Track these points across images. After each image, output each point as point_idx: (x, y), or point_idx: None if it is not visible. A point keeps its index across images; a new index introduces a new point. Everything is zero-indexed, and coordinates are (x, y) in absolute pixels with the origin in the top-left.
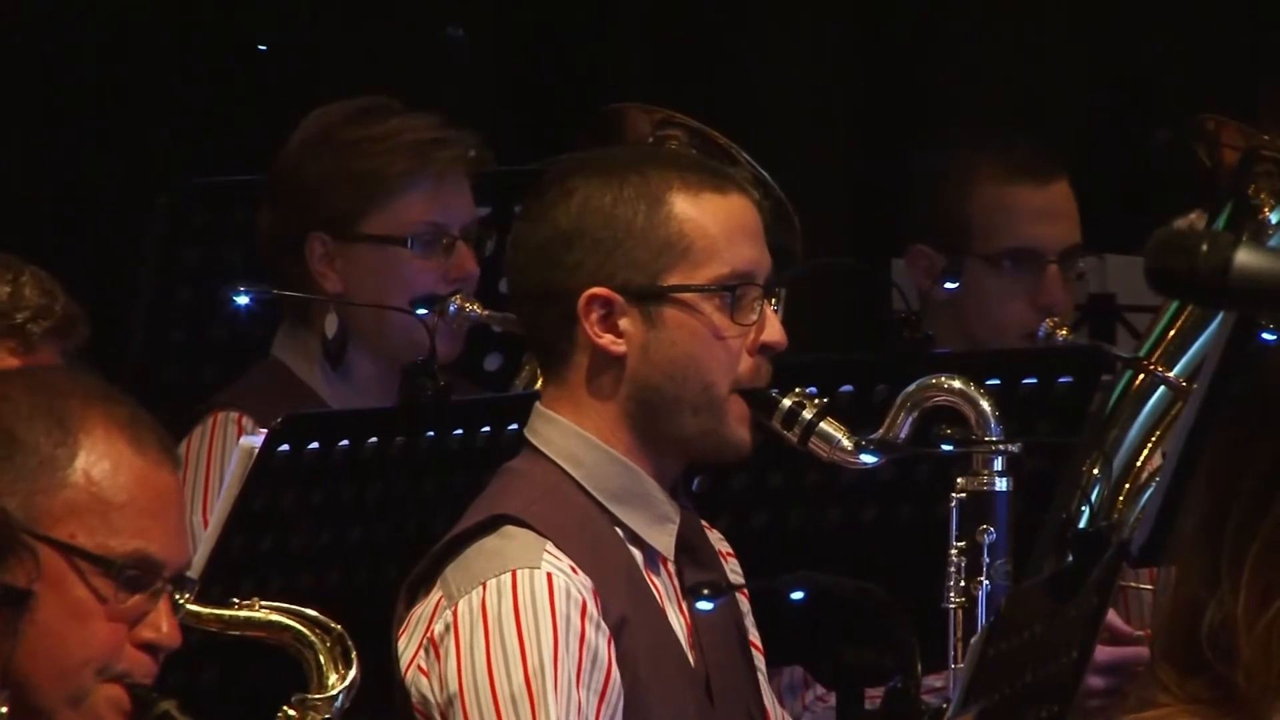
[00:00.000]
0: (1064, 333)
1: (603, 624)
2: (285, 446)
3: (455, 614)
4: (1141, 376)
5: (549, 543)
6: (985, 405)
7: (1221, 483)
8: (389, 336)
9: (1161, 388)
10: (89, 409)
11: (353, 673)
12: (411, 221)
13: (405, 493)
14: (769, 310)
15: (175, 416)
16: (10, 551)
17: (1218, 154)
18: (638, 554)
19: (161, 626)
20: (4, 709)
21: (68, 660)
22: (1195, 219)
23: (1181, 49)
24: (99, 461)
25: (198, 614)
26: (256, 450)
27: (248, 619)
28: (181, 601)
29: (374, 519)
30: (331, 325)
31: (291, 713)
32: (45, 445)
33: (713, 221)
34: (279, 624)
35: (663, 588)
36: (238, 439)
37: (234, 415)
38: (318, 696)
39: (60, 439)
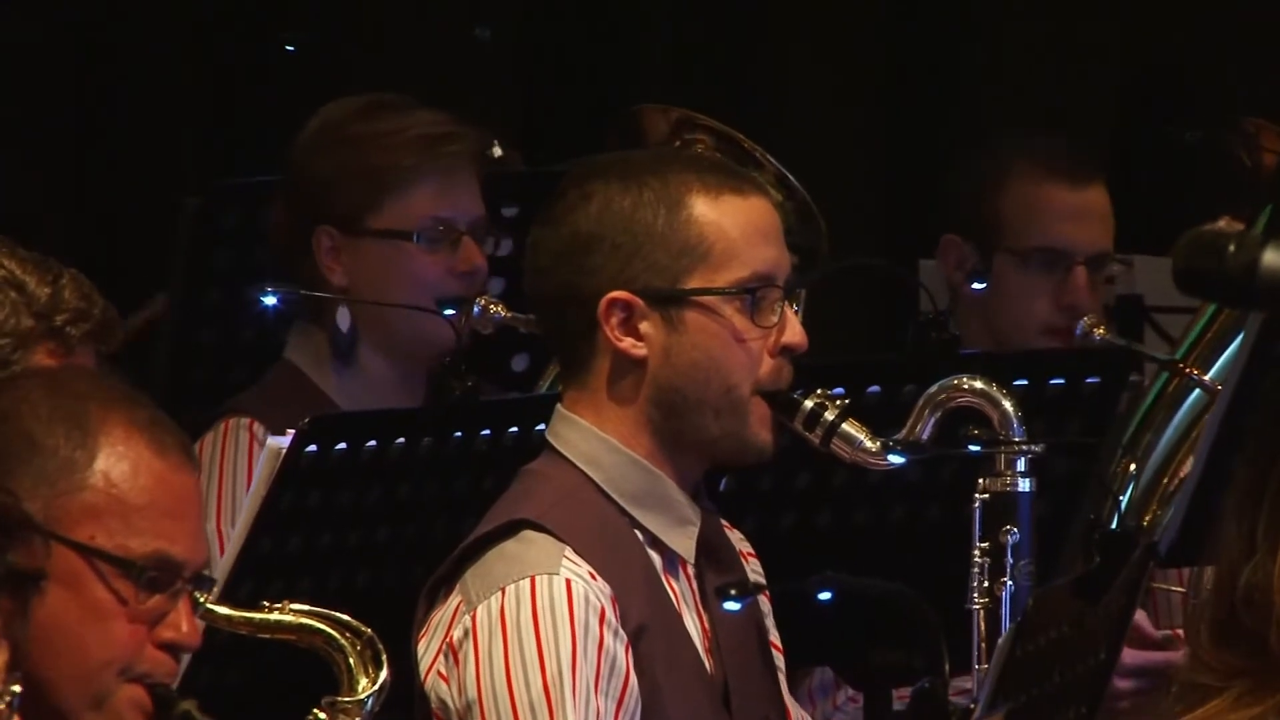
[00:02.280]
0: (1101, 331)
1: (621, 631)
2: (312, 447)
3: (474, 619)
4: (1176, 379)
5: (568, 548)
6: (1007, 406)
7: (1260, 456)
8: (396, 332)
9: (1196, 390)
10: (108, 411)
11: (383, 676)
12: (418, 216)
13: (432, 493)
14: (789, 312)
15: (204, 419)
16: (16, 535)
17: (1257, 156)
18: (656, 557)
19: (181, 626)
20: (17, 688)
21: (89, 661)
22: (1225, 225)
23: (1213, 49)
24: (118, 463)
25: (228, 617)
26: (284, 451)
27: (278, 622)
28: (202, 601)
29: (401, 519)
30: (344, 319)
31: (322, 715)
32: (64, 448)
33: (732, 224)
34: (309, 627)
35: (681, 591)
36: (248, 445)
37: (245, 421)
38: (348, 699)
39: (79, 441)
